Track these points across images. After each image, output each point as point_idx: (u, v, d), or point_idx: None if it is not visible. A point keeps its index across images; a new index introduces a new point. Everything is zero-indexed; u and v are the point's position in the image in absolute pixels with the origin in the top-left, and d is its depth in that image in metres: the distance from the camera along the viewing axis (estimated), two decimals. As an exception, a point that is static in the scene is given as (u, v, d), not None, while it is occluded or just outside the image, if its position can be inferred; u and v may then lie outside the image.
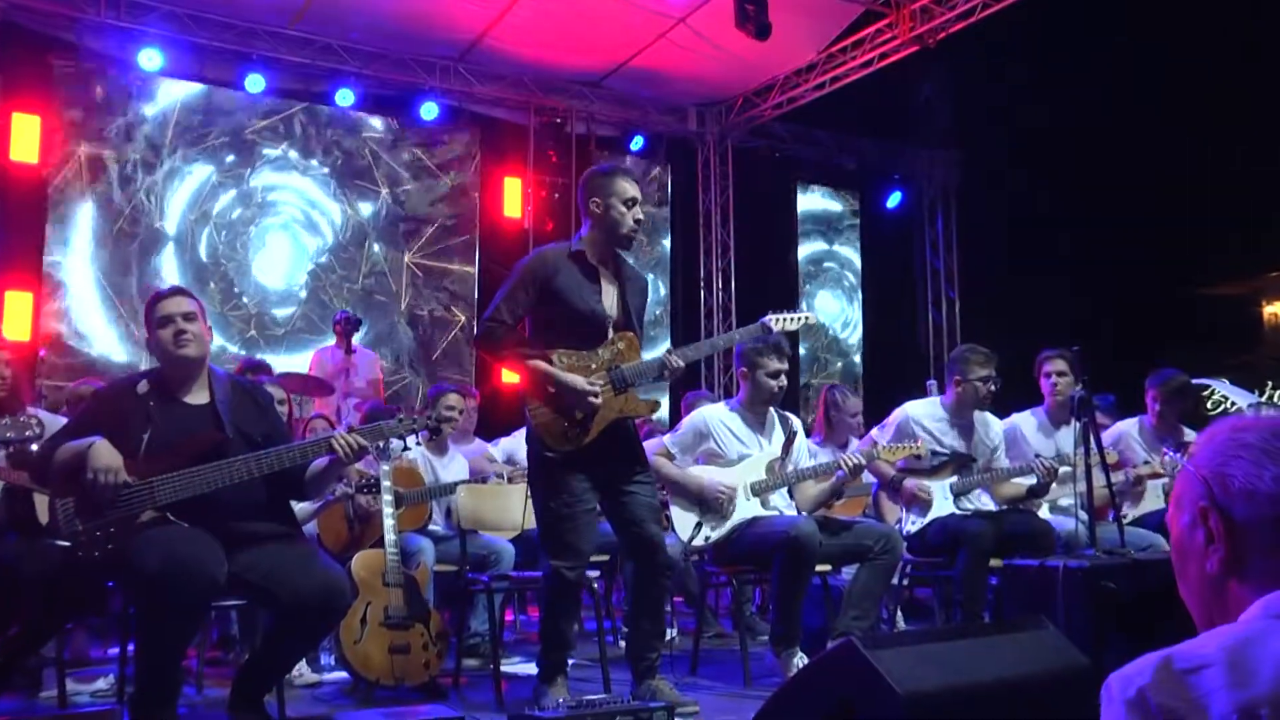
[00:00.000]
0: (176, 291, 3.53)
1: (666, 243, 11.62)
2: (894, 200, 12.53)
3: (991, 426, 5.22)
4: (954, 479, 5.04)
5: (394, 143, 10.14)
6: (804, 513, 4.79)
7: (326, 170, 9.76)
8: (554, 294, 3.82)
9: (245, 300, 9.36)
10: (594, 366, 3.84)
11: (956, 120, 11.84)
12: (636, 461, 3.94)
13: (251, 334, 9.33)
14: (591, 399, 3.76)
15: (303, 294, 9.61)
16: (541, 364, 3.80)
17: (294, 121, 9.63)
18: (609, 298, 3.91)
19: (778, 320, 4.29)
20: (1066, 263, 11.20)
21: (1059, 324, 8.91)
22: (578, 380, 3.77)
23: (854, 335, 12.72)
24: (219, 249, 9.32)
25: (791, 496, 4.87)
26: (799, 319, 4.32)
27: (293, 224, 9.64)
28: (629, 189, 3.89)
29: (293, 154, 9.61)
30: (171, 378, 3.46)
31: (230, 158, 9.37)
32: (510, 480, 5.38)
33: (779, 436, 4.84)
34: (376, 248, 9.99)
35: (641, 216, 3.92)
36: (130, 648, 3.66)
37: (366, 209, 9.97)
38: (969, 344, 5.28)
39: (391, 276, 10.08)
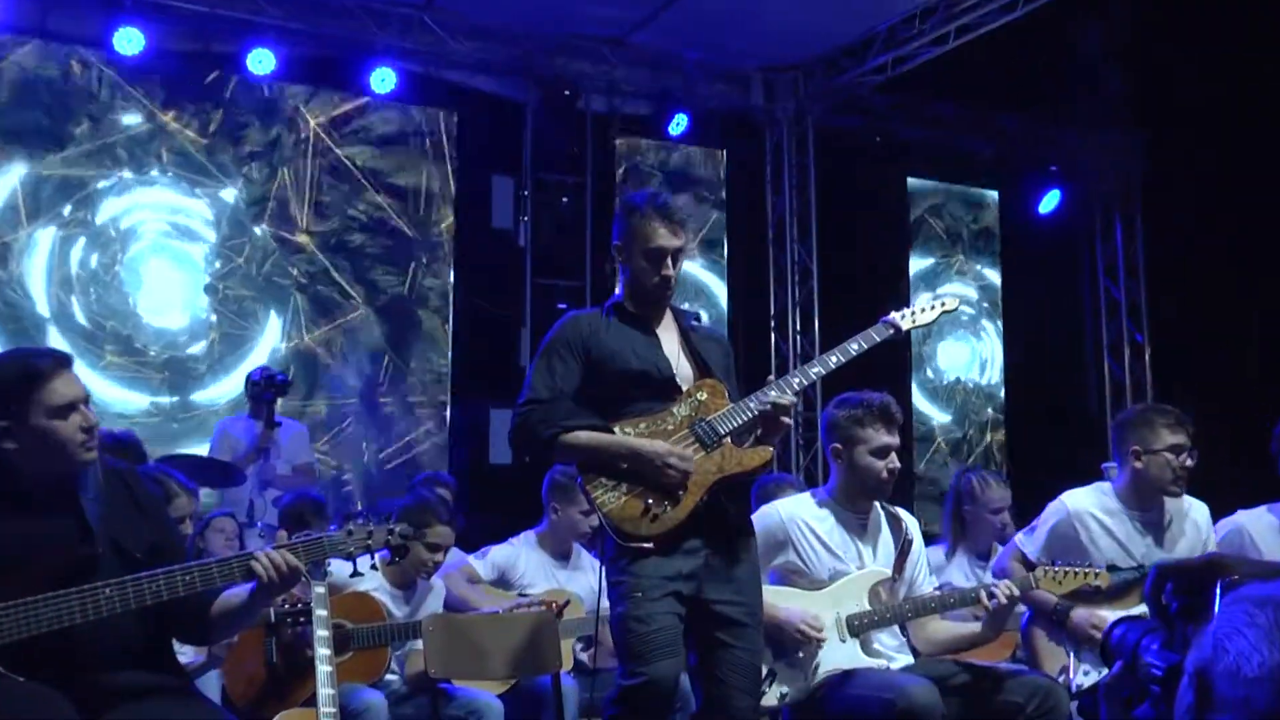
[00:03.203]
0: (63, 362, 3.49)
1: (722, 263, 11.68)
2: (1050, 202, 12.50)
3: (1195, 519, 5.12)
4: (1144, 607, 4.96)
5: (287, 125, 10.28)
6: (923, 655, 4.77)
7: (171, 172, 10.07)
8: (600, 359, 4.22)
9: (153, 350, 9.81)
10: (671, 428, 4.13)
11: (1140, 87, 11.82)
12: (740, 572, 4.13)
13: (170, 380, 9.78)
14: (673, 468, 4.00)
15: (213, 317, 9.94)
16: (601, 434, 4.09)
17: (115, 149, 9.91)
18: (671, 349, 4.27)
19: (906, 316, 4.56)
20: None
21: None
22: (655, 445, 4.04)
23: (996, 369, 12.74)
24: (95, 307, 9.71)
25: (905, 632, 4.83)
26: (936, 307, 4.62)
27: (163, 239, 10.02)
28: (658, 235, 4.22)
29: (125, 174, 9.95)
30: (29, 475, 3.45)
31: (66, 208, 9.74)
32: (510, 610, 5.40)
33: (887, 546, 4.80)
34: (258, 231, 10.26)
35: (673, 272, 4.25)
36: None
37: (229, 195, 10.24)
38: (1149, 404, 5.22)
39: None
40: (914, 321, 4.60)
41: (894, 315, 4.57)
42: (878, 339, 4.51)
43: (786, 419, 4.20)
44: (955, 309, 4.76)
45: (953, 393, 12.56)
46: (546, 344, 4.31)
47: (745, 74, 11.31)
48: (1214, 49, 10.30)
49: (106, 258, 9.75)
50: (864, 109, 11.52)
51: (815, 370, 4.48)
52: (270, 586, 3.39)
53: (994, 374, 12.73)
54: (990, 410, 12.67)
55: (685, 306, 4.81)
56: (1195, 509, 5.17)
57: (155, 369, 9.73)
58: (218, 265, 10.00)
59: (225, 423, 8.37)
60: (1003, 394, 12.64)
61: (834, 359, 4.48)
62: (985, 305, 12.78)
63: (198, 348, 9.87)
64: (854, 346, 4.49)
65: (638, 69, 10.84)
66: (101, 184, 9.81)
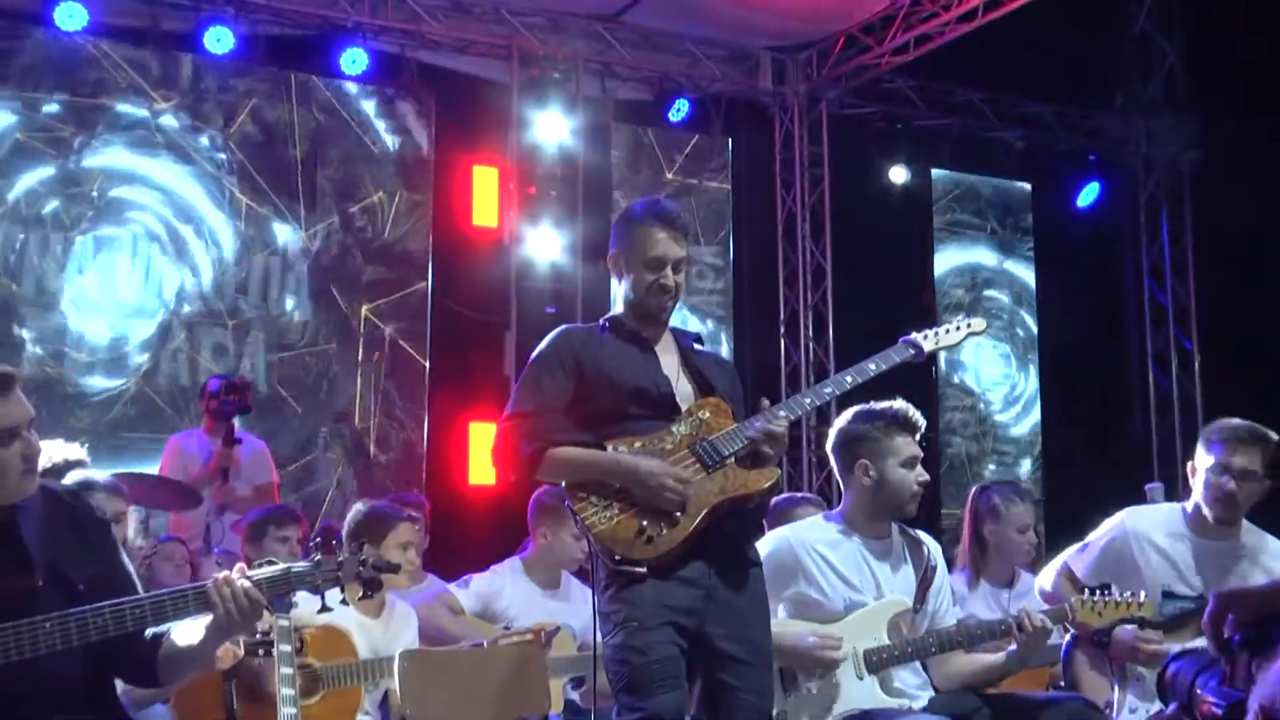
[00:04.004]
0: (6, 382, 3.48)
1: (728, 265, 11.69)
2: (1088, 195, 12.51)
3: (1266, 565, 5.09)
4: (1201, 640, 4.94)
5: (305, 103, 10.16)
6: (945, 691, 4.76)
7: (225, 156, 9.53)
8: (594, 374, 4.28)
9: (38, 349, 8.91)
10: (670, 447, 4.17)
11: (1191, 69, 11.81)
12: (744, 605, 4.14)
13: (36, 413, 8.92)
14: (669, 490, 4.02)
15: (142, 359, 9.35)
16: (591, 451, 4.15)
17: (180, 65, 9.35)
18: (671, 367, 4.34)
19: (929, 337, 4.64)
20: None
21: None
22: (650, 463, 4.07)
23: (1027, 415, 12.68)
24: (7, 258, 8.86)
25: (926, 669, 4.84)
26: (962, 329, 4.71)
27: (145, 240, 9.41)
28: (659, 243, 4.30)
29: (167, 119, 9.40)
30: None
31: (52, 106, 9.07)
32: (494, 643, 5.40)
33: (908, 574, 4.80)
34: (290, 302, 9.82)
35: (672, 283, 4.33)
36: None
37: (284, 233, 9.71)
38: (1225, 420, 5.20)
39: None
40: (938, 343, 4.66)
41: (916, 335, 4.63)
42: (897, 360, 4.56)
43: (770, 449, 4.20)
44: (984, 331, 4.80)
45: (956, 400, 12.53)
46: (536, 357, 4.37)
47: (752, 54, 11.33)
48: (1276, 23, 10.27)
49: (69, 215, 8.91)
50: (883, 93, 11.54)
51: (829, 390, 4.54)
52: (228, 620, 3.37)
53: (1022, 418, 12.68)
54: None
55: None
56: (1268, 540, 5.08)
57: (25, 389, 8.72)
58: (189, 309, 9.27)
59: (178, 438, 8.28)
60: (1038, 408, 12.62)
61: (849, 378, 4.51)
62: (1022, 310, 12.79)
63: (97, 382, 8.98)
64: (872, 366, 4.53)
65: (633, 49, 10.86)
66: (122, 106, 9.07)
